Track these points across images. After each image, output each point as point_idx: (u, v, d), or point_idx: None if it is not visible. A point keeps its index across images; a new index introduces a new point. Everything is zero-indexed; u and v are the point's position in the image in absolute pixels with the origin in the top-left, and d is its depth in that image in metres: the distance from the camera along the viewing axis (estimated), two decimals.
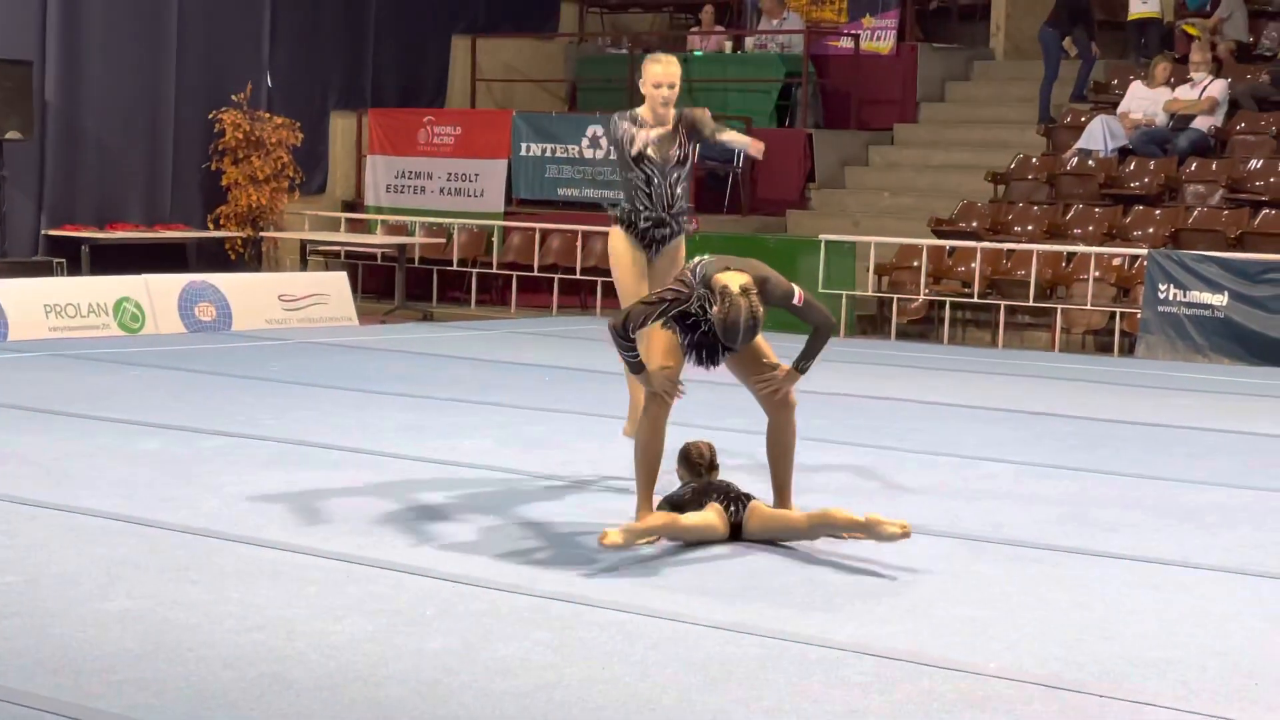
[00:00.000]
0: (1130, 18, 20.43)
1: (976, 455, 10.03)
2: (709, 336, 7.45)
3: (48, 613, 6.13)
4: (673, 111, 8.62)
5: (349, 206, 21.70)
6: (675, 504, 7.53)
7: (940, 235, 18.10)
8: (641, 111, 8.66)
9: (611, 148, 9.25)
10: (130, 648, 5.72)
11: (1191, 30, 20.17)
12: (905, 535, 7.10)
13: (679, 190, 8.71)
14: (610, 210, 8.93)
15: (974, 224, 18.16)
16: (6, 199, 18.40)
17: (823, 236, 17.73)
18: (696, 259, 7.53)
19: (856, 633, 6.13)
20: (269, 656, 5.66)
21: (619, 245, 8.75)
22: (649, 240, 8.71)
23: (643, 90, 8.72)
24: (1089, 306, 16.74)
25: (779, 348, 7.77)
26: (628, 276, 8.70)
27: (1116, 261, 16.92)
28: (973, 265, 17.26)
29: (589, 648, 5.87)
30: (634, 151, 8.53)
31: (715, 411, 10.15)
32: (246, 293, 16.88)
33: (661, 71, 8.58)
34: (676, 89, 8.61)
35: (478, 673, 5.56)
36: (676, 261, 8.63)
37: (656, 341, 7.61)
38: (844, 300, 17.33)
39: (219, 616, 6.12)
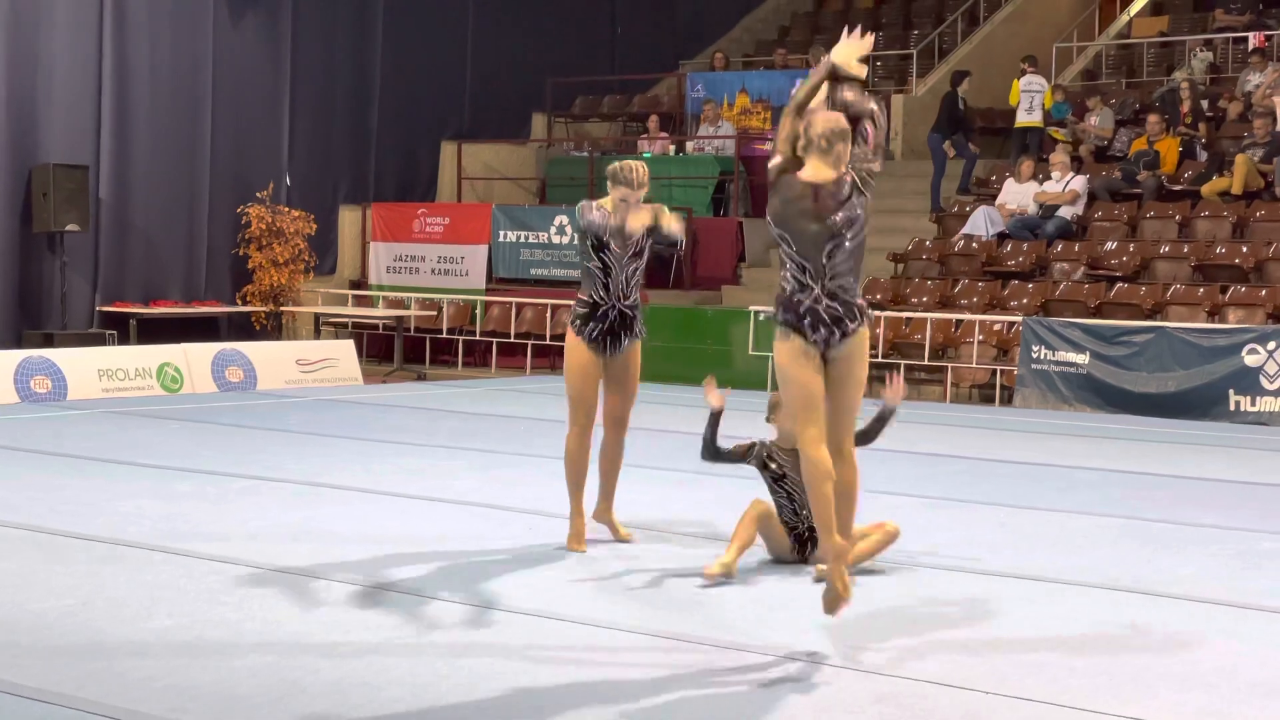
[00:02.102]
0: (1017, 125, 20.63)
1: (881, 490, 9.99)
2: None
3: (99, 630, 6.07)
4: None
5: (355, 285, 21.64)
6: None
7: None
8: (606, 203, 7.86)
9: (575, 235, 8.37)
10: (168, 659, 5.67)
11: (1057, 135, 20.38)
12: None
13: (634, 283, 7.87)
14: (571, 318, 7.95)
15: (878, 296, 18.21)
16: (66, 281, 18.30)
17: (752, 308, 17.75)
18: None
19: (781, 641, 6.11)
20: (287, 666, 5.62)
21: (572, 350, 7.88)
22: (603, 341, 7.83)
23: (611, 194, 7.82)
24: (974, 365, 16.80)
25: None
26: (578, 381, 7.83)
27: (997, 327, 16.99)
28: (878, 330, 17.31)
29: (556, 654, 5.85)
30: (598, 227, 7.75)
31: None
32: (269, 358, 16.80)
33: (629, 192, 7.76)
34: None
35: (464, 678, 5.53)
36: (630, 367, 7.92)
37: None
38: (770, 361, 17.30)
39: (244, 632, 6.07)
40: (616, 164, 7.90)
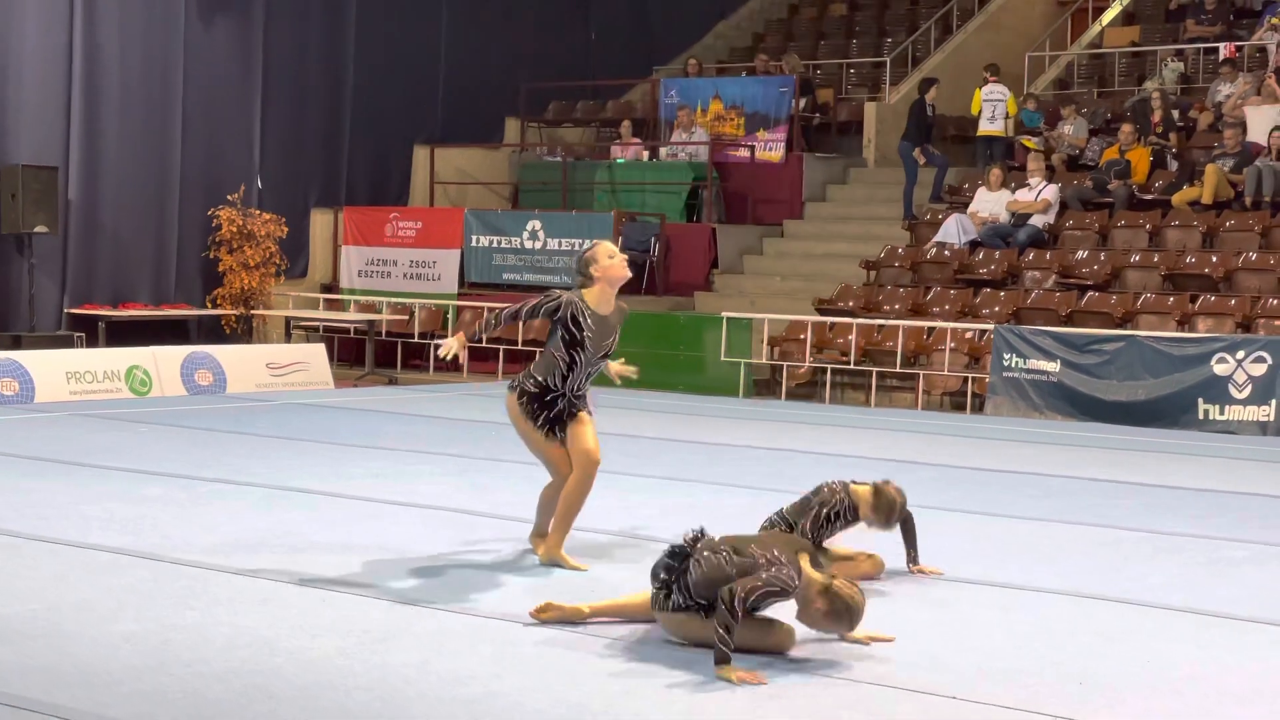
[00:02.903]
0: (979, 134, 20.70)
1: None
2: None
3: (65, 635, 6.03)
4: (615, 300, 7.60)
5: (327, 288, 21.59)
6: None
7: (822, 312, 18.18)
8: (589, 296, 7.52)
9: (551, 310, 7.48)
10: (136, 664, 5.64)
11: (1029, 144, 20.44)
12: None
13: (590, 379, 7.62)
14: (511, 384, 7.65)
15: (850, 303, 18.24)
16: (35, 283, 18.22)
17: (725, 314, 17.77)
18: None
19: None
20: (254, 671, 5.59)
21: (518, 418, 7.63)
22: (548, 427, 7.57)
23: (597, 274, 7.49)
24: (946, 372, 16.83)
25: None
26: (537, 446, 7.68)
27: (968, 335, 17.03)
28: (850, 337, 17.33)
29: (525, 660, 5.83)
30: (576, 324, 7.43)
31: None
32: (239, 361, 16.73)
33: (621, 264, 7.54)
34: None
35: (432, 683, 5.51)
36: (582, 423, 7.60)
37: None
38: (742, 367, 17.36)
39: (212, 637, 6.04)
40: (594, 247, 7.56)
